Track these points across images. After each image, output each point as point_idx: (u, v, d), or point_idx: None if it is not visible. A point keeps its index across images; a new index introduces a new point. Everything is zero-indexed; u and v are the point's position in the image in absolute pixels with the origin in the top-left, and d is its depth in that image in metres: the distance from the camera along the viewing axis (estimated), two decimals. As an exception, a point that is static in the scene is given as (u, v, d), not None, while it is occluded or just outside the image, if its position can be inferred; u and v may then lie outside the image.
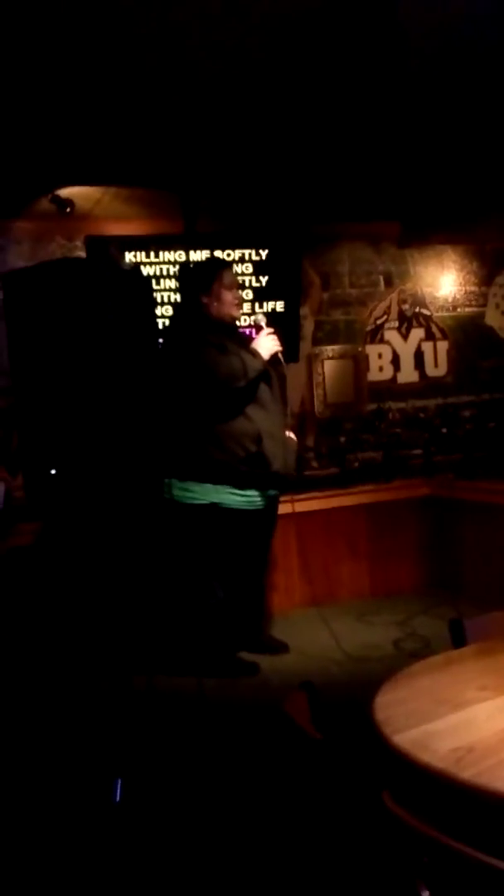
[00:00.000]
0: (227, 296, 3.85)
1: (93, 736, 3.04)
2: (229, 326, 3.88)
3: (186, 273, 4.46)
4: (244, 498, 3.76)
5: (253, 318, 4.13)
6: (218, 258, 4.65)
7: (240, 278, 4.88)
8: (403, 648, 4.00)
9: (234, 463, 3.70)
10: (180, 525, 3.78)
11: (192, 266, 4.66)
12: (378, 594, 4.95)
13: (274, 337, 3.82)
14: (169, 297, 4.76)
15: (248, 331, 4.26)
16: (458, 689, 1.82)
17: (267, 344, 3.79)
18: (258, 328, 3.90)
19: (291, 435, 4.03)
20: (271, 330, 3.85)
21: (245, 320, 4.54)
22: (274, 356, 3.82)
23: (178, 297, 4.68)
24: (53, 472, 2.70)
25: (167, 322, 4.52)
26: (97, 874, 2.32)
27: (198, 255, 4.78)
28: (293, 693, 1.85)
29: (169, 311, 4.72)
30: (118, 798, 2.50)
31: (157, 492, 3.75)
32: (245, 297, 4.89)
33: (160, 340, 3.98)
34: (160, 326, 4.39)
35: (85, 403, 2.60)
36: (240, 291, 4.13)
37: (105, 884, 2.28)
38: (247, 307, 4.85)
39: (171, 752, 3.00)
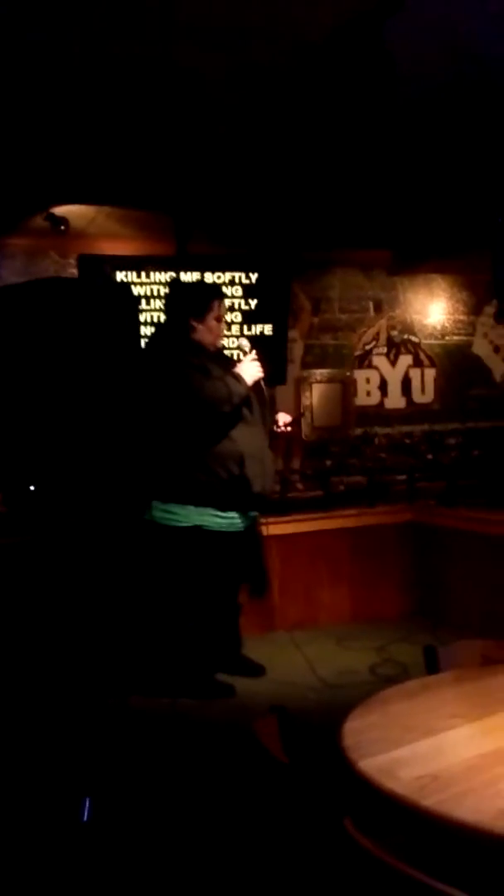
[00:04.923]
0: (217, 327, 3.89)
1: (65, 754, 3.02)
2: (212, 351, 3.91)
3: (179, 292, 4.46)
4: (226, 520, 3.77)
5: (237, 342, 4.16)
6: (215, 286, 4.68)
7: (229, 301, 4.92)
8: (380, 674, 3.99)
9: (216, 485, 3.71)
10: (162, 547, 3.77)
11: (186, 287, 4.67)
12: (359, 619, 4.95)
13: (258, 363, 3.85)
14: (158, 317, 4.78)
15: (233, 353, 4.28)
16: (428, 716, 1.83)
17: (251, 370, 3.82)
18: (242, 352, 3.92)
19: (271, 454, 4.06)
20: (255, 356, 3.88)
21: (231, 342, 4.57)
22: (255, 381, 3.86)
23: (163, 316, 4.68)
24: (32, 488, 2.71)
25: (149, 340, 4.51)
26: (66, 892, 2.30)
27: (188, 277, 4.81)
28: (264, 717, 1.85)
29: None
30: (86, 817, 2.49)
31: (138, 512, 3.75)
32: (234, 320, 4.93)
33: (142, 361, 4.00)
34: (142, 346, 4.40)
35: (67, 421, 2.62)
36: (225, 322, 4.19)
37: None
38: (235, 329, 4.89)
39: (141, 771, 2.99)
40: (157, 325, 4.62)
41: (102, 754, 2.91)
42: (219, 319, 3.90)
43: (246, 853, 2.33)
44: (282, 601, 4.62)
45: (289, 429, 4.14)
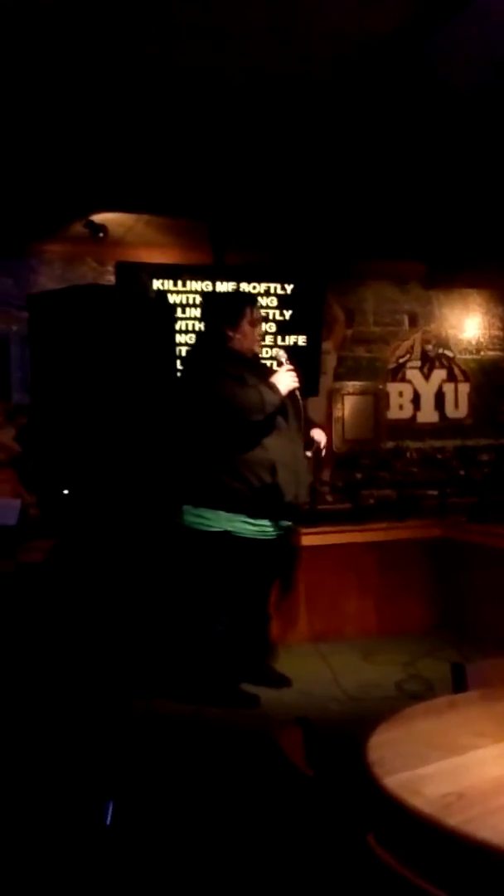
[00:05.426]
0: (251, 332, 3.92)
1: (88, 756, 3.03)
2: (249, 359, 3.93)
3: (214, 303, 4.51)
4: (256, 527, 3.78)
5: (274, 352, 4.17)
6: (247, 293, 4.72)
7: (264, 311, 4.94)
8: (405, 690, 3.96)
9: (247, 492, 3.73)
10: (192, 551, 3.80)
11: (220, 297, 4.72)
12: (384, 633, 4.91)
13: (293, 374, 3.86)
14: (193, 325, 4.82)
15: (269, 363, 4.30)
16: (455, 734, 1.81)
17: (286, 380, 3.83)
18: (279, 363, 3.94)
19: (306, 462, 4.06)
20: (291, 367, 3.88)
21: (266, 352, 4.59)
22: (291, 391, 3.86)
23: (202, 326, 4.74)
24: (66, 491, 2.74)
25: (188, 350, 4.56)
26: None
27: (224, 287, 4.85)
28: (288, 728, 1.84)
29: (192, 339, 4.78)
30: (109, 821, 2.50)
31: (168, 516, 3.78)
32: (268, 330, 4.95)
33: (178, 367, 4.04)
34: (180, 354, 4.44)
35: (101, 426, 2.65)
36: (263, 328, 4.20)
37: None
38: (269, 340, 4.91)
39: (163, 777, 2.99)
40: (197, 335, 4.68)
41: (126, 759, 2.92)
42: (253, 324, 3.93)
43: (267, 864, 2.33)
44: (308, 612, 4.60)
45: (323, 453, 4.15)
